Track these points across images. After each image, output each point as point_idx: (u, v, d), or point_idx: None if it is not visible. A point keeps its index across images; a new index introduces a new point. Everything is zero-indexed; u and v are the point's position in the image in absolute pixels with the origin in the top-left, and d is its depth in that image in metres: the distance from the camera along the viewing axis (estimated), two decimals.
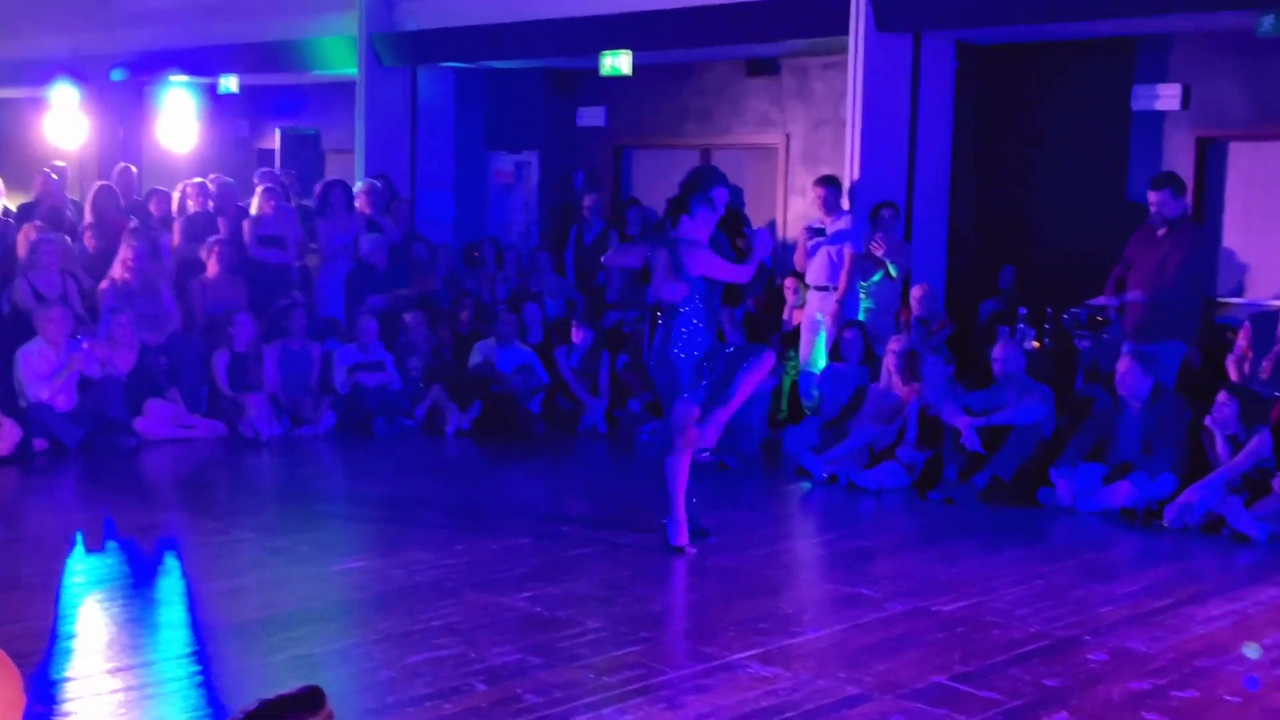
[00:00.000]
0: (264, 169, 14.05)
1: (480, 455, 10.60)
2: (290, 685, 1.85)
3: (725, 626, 5.99)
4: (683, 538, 7.12)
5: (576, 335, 11.51)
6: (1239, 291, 10.98)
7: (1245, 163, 10.90)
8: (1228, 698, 5.23)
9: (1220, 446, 8.35)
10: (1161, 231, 9.28)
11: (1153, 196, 9.27)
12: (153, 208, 12.74)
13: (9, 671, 1.95)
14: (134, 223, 11.82)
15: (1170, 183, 9.33)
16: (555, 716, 4.85)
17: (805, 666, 5.52)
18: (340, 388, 10.99)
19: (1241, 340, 9.35)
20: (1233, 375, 9.23)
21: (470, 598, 6.36)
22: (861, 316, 10.88)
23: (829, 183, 11.07)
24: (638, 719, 4.88)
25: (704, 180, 7.28)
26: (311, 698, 1.76)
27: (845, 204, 11.10)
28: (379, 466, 9.89)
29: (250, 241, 11.92)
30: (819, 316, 11.02)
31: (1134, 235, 9.55)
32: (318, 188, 12.61)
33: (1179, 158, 10.91)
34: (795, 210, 13.05)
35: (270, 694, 1.75)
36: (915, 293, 10.92)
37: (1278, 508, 7.98)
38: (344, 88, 14.71)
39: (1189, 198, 10.79)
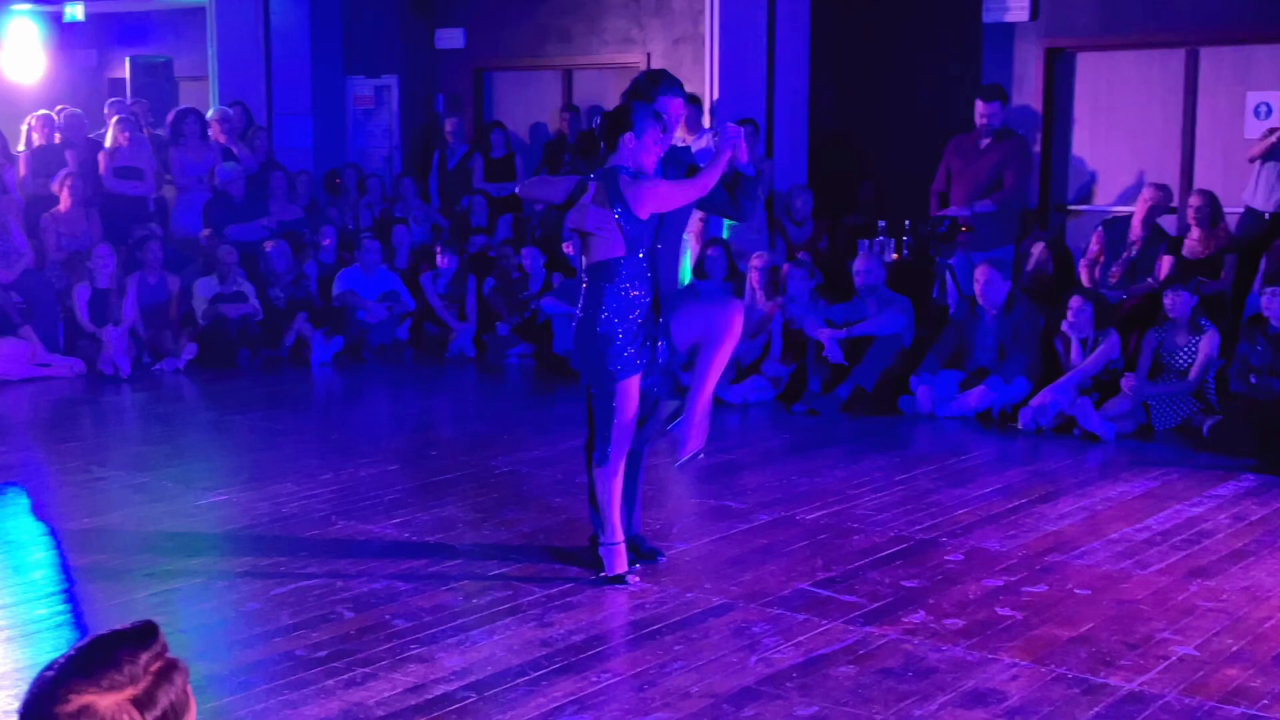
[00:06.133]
0: (115, 99, 13.67)
1: (346, 385, 10.51)
2: (158, 621, 1.83)
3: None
4: (622, 564, 5.54)
5: (442, 261, 11.43)
6: (1088, 199, 11.21)
7: (1093, 73, 11.09)
8: (1077, 590, 5.41)
9: (1074, 350, 8.57)
10: (985, 142, 9.60)
11: (983, 108, 9.59)
12: None
13: None
14: None
15: (1001, 94, 9.82)
16: (424, 639, 4.87)
17: (673, 580, 5.59)
18: (201, 319, 10.80)
19: (1094, 245, 9.60)
20: (1084, 280, 9.48)
21: (338, 527, 6.34)
22: (725, 234, 10.93)
23: (690, 101, 11.03)
24: (507, 638, 4.91)
25: (648, 87, 5.50)
26: (143, 632, 1.75)
27: (706, 122, 11.11)
28: (243, 399, 9.76)
29: (106, 174, 11.63)
30: (684, 235, 11.03)
31: (951, 147, 9.85)
32: (170, 116, 12.32)
33: (1029, 69, 11.07)
34: None
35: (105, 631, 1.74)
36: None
37: (1126, 408, 8.25)
38: (195, 13, 14.32)
39: (1040, 107, 11.02)
